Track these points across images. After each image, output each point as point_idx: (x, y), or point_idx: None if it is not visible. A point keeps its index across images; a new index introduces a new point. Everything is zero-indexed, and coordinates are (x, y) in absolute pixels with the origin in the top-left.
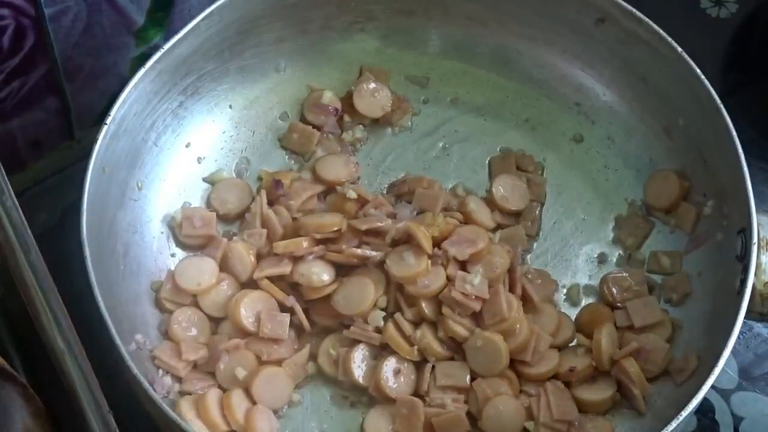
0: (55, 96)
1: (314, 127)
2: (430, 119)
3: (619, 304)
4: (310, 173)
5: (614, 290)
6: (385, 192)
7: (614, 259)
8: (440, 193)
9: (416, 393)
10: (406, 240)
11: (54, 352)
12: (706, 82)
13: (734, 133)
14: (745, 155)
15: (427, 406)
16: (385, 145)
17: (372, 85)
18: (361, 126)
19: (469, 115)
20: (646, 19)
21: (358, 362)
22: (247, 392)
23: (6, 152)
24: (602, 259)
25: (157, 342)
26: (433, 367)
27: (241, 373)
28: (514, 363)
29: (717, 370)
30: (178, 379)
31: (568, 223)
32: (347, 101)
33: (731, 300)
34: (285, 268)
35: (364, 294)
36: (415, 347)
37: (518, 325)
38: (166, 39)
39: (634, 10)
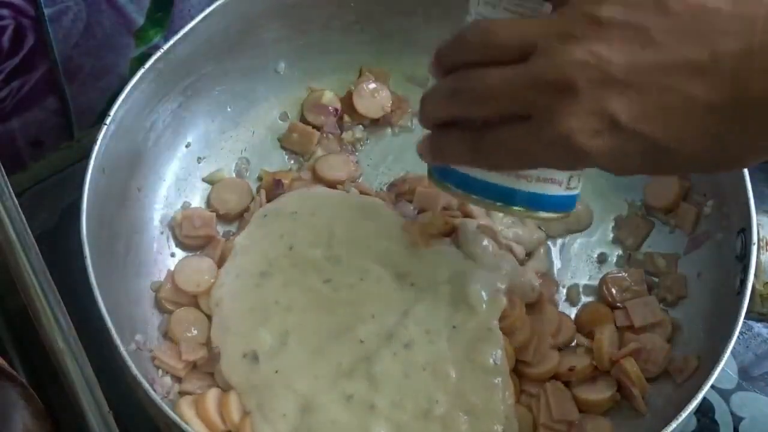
0: (55, 96)
1: (314, 127)
2: None
3: (618, 304)
4: (310, 173)
5: (614, 290)
6: (385, 191)
7: (614, 259)
8: (440, 192)
9: None
10: None
11: (54, 352)
12: None
13: None
14: None
15: None
16: (385, 145)
17: (372, 86)
18: (361, 126)
19: None
20: None
21: None
22: None
23: (6, 152)
24: (602, 259)
25: (157, 342)
26: None
27: None
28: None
29: (717, 370)
30: (178, 380)
31: None
32: (347, 101)
33: (731, 300)
34: None
35: None
36: None
37: (519, 323)
38: (166, 39)
39: None
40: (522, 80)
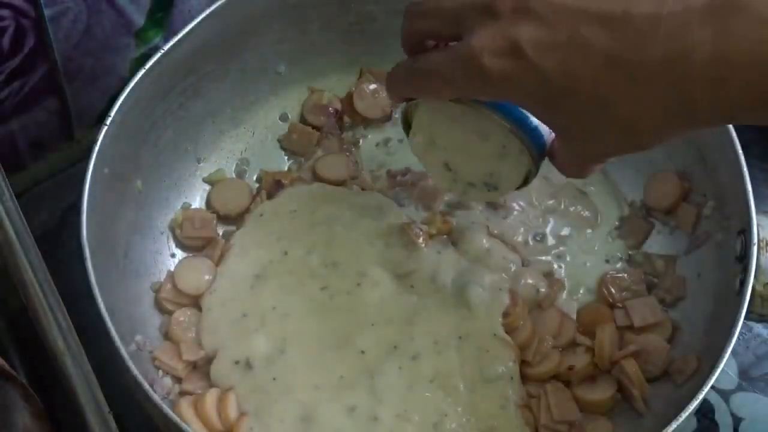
0: (55, 96)
1: (314, 127)
2: None
3: (618, 304)
4: (310, 173)
5: (613, 290)
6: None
7: (614, 259)
8: (440, 191)
9: None
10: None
11: (54, 353)
12: None
13: (734, 133)
14: (745, 155)
15: None
16: (386, 145)
17: (372, 86)
18: (361, 126)
19: None
20: None
21: None
22: None
23: (6, 153)
24: (602, 259)
25: (157, 343)
26: None
27: None
28: None
29: (717, 371)
30: (178, 380)
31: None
32: (347, 102)
33: (731, 301)
34: None
35: None
36: None
37: (521, 321)
38: (166, 40)
39: None
40: (460, 3)
